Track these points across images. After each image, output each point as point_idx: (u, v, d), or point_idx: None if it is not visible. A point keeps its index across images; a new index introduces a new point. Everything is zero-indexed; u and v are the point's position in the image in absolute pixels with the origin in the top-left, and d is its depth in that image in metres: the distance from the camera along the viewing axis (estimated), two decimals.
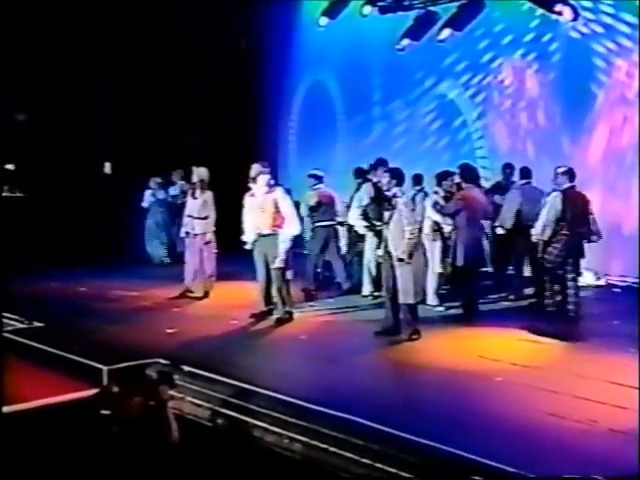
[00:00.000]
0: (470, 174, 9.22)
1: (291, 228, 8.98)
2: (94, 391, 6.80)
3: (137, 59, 14.28)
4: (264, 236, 8.95)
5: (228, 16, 14.87)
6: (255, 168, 9.15)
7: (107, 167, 14.78)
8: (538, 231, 8.26)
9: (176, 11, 14.46)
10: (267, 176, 9.04)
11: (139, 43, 14.17)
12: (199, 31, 14.76)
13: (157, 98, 14.36)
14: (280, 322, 8.96)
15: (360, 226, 9.17)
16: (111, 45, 14.27)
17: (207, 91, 14.90)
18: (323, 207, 10.59)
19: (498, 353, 7.59)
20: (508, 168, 10.50)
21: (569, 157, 11.22)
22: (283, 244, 8.89)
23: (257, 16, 15.25)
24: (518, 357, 7.47)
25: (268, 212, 8.91)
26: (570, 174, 8.31)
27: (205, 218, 10.32)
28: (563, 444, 5.30)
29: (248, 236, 9.11)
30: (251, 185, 9.09)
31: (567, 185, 8.26)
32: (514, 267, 10.25)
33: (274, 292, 9.06)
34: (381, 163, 9.78)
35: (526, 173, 10.10)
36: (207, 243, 10.39)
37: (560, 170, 8.36)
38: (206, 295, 10.45)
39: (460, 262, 8.89)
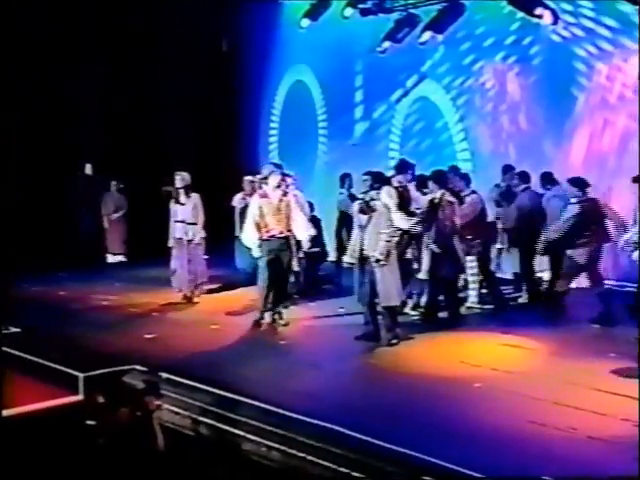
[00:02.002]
0: (442, 180, 9.15)
1: (308, 230, 9.06)
2: (72, 399, 6.76)
3: (118, 59, 14.20)
4: (278, 238, 8.81)
5: (209, 18, 14.79)
6: (267, 168, 9.11)
7: (88, 168, 14.67)
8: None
9: (158, 13, 14.37)
10: (279, 177, 8.94)
11: (121, 43, 14.08)
12: (180, 32, 14.70)
13: (138, 100, 14.27)
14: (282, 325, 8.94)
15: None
16: (92, 45, 14.17)
17: (187, 92, 14.81)
18: None
19: (479, 358, 7.57)
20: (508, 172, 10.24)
21: (551, 160, 11.25)
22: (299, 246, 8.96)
23: (239, 18, 15.19)
24: (499, 362, 7.45)
25: (284, 214, 8.82)
26: None
27: (197, 223, 10.16)
28: (541, 451, 5.29)
29: (252, 239, 8.85)
30: (263, 186, 8.98)
31: None
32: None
33: (277, 296, 8.95)
34: (404, 166, 9.73)
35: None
36: (199, 248, 10.24)
37: None
38: (190, 300, 10.30)
39: (436, 268, 8.86)
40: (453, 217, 8.90)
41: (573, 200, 8.90)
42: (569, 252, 8.91)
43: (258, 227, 8.78)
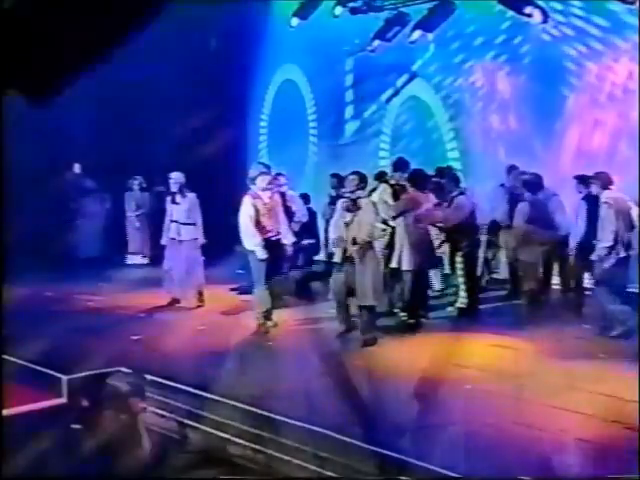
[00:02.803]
0: (418, 180, 9.10)
1: (286, 237, 8.86)
2: (55, 402, 6.67)
3: (104, 58, 14.05)
4: (273, 240, 8.68)
5: (199, 16, 14.69)
6: (255, 168, 8.95)
7: (76, 168, 14.56)
8: None
9: (146, 12, 14.24)
10: (268, 177, 8.81)
11: (107, 43, 13.94)
12: (169, 31, 14.57)
13: (125, 100, 14.17)
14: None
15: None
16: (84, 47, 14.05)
17: (174, 92, 14.70)
18: None
19: (468, 359, 7.50)
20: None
21: (540, 159, 11.20)
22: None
23: (228, 17, 15.09)
24: (488, 364, 7.41)
25: (275, 214, 8.71)
26: None
27: (192, 224, 9.96)
28: (530, 453, 5.24)
29: (256, 240, 8.51)
30: (251, 186, 8.80)
31: None
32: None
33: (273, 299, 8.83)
34: (402, 165, 9.68)
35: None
36: (195, 249, 10.05)
37: None
38: (178, 301, 10.10)
39: (405, 266, 8.80)
40: (420, 217, 8.85)
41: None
42: (520, 253, 8.99)
43: (257, 229, 8.57)
